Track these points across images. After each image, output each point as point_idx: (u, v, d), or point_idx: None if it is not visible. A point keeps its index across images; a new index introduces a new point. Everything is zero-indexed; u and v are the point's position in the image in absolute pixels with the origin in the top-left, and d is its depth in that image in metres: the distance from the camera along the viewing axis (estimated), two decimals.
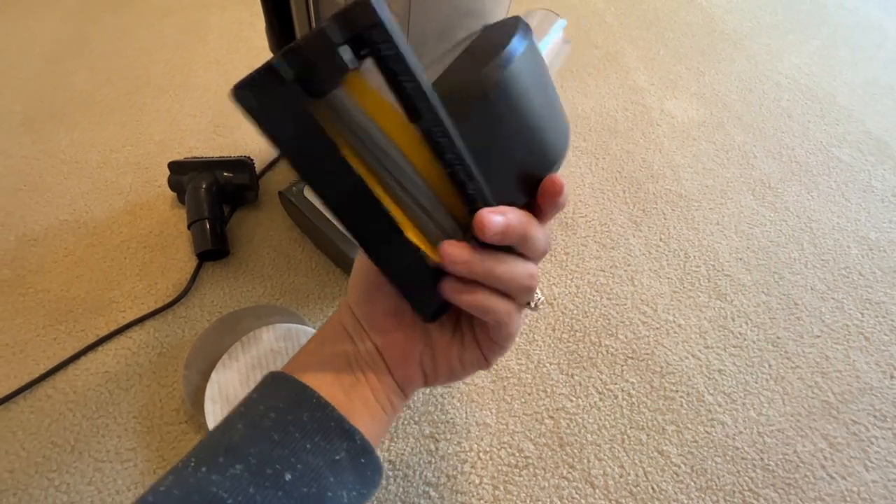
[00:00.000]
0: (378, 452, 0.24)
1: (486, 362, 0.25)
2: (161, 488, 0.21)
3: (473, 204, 0.21)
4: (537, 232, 0.22)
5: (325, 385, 0.24)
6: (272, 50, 0.49)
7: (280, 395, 0.23)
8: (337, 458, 0.22)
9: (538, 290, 0.25)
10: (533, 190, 0.23)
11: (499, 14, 0.37)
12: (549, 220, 0.24)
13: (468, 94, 0.20)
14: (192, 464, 0.21)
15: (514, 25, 0.22)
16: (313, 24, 0.42)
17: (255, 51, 0.76)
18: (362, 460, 0.23)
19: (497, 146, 0.21)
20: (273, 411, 0.22)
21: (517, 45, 0.21)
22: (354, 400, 0.24)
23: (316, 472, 0.22)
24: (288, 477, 0.21)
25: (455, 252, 0.20)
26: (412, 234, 0.21)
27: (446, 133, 0.19)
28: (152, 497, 0.20)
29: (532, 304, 0.25)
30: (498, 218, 0.20)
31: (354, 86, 0.19)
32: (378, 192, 0.20)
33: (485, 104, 0.20)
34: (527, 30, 0.22)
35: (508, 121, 0.21)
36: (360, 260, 0.26)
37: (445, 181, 0.21)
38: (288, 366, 0.26)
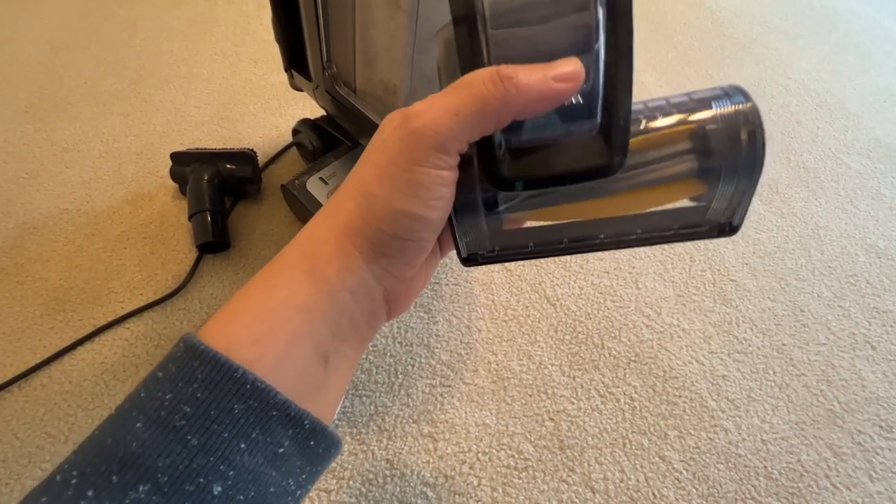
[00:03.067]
0: (332, 426, 0.20)
1: (437, 260, 0.24)
2: None
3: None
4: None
5: (303, 363, 0.19)
6: (278, 41, 0.49)
7: (196, 378, 0.17)
8: (280, 450, 0.18)
9: None
10: None
11: None
12: None
13: None
14: (74, 482, 0.16)
15: None
16: (320, 17, 0.41)
17: (261, 43, 0.76)
18: (311, 442, 0.19)
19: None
20: (186, 403, 0.17)
21: None
22: (333, 363, 0.20)
23: (254, 473, 0.17)
24: (217, 490, 0.16)
25: (565, 69, 0.17)
26: None
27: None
28: None
29: None
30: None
31: None
32: None
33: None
34: None
35: None
36: (435, 212, 0.19)
37: None
38: (222, 310, 0.19)
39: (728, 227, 0.21)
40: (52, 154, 0.60)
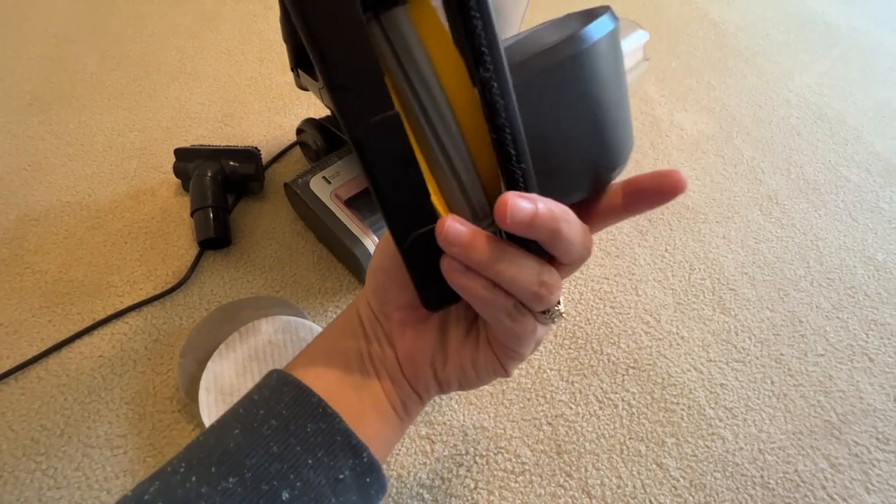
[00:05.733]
0: (385, 470, 0.22)
1: (502, 369, 0.22)
2: (146, 497, 0.19)
3: (514, 185, 0.17)
4: (573, 232, 0.18)
5: (333, 381, 0.22)
6: (285, 40, 0.49)
7: (283, 400, 0.21)
8: (341, 476, 0.20)
9: (560, 300, 0.22)
10: (585, 190, 0.20)
11: (517, 13, 0.37)
12: (599, 228, 0.21)
13: (539, 62, 0.17)
14: (182, 470, 0.19)
15: (601, 11, 0.20)
16: None
17: (267, 43, 0.76)
18: (367, 479, 0.21)
19: (558, 129, 0.18)
20: (274, 418, 0.20)
21: (604, 24, 0.19)
22: (364, 399, 0.22)
23: (317, 491, 0.19)
24: (285, 496, 0.19)
25: (453, 228, 0.17)
26: (435, 198, 0.18)
27: (506, 93, 0.16)
28: None
29: (546, 314, 0.21)
30: (525, 204, 0.16)
31: (418, 9, 0.16)
32: (412, 138, 0.17)
33: (555, 76, 0.18)
34: (615, 17, 0.20)
35: (578, 101, 0.18)
36: (383, 244, 0.23)
37: (489, 151, 0.17)
38: (296, 360, 0.24)
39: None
40: (55, 147, 0.60)
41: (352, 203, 0.50)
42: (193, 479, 0.19)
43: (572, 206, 0.19)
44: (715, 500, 0.42)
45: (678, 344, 0.50)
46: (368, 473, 0.21)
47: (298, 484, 0.19)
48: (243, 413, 0.21)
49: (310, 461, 0.20)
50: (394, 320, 0.23)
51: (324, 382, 0.22)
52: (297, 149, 0.63)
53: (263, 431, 0.20)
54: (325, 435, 0.20)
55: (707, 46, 0.87)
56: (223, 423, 0.21)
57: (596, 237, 0.58)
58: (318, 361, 0.23)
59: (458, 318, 0.23)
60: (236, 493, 0.18)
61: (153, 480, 0.20)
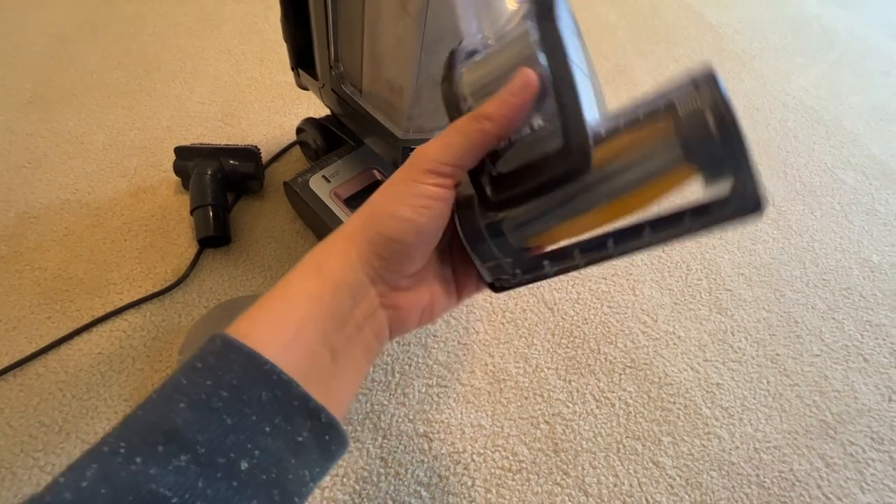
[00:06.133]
0: (343, 427, 0.22)
1: (457, 301, 0.27)
2: (83, 483, 0.17)
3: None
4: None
5: (309, 347, 0.21)
6: (286, 40, 0.49)
7: (231, 369, 0.20)
8: (300, 439, 0.20)
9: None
10: None
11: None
12: None
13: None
14: (123, 451, 0.18)
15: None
16: (329, 17, 0.42)
17: (268, 43, 0.77)
18: (326, 437, 0.21)
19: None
20: (223, 389, 0.19)
21: None
22: (341, 360, 0.22)
23: (276, 456, 0.19)
24: (244, 465, 0.18)
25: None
26: None
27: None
28: (71, 495, 0.16)
29: None
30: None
31: None
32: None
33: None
34: None
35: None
36: (423, 218, 0.22)
37: None
38: (248, 321, 0.21)
39: (752, 204, 0.19)
40: (55, 145, 0.60)
41: (351, 202, 0.50)
42: (138, 459, 0.17)
43: None
44: (711, 499, 0.42)
45: (675, 344, 0.51)
46: (327, 432, 0.21)
47: (257, 452, 0.19)
48: (187, 384, 0.19)
49: (267, 429, 0.19)
50: (395, 284, 0.24)
51: (298, 349, 0.21)
52: (297, 148, 0.63)
53: (213, 404, 0.19)
54: (282, 402, 0.20)
55: (704, 49, 0.87)
56: (164, 396, 0.19)
57: None
58: (285, 326, 0.21)
59: (444, 274, 0.27)
60: (190, 470, 0.17)
61: (87, 463, 0.17)
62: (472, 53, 0.23)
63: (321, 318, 0.22)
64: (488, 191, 0.22)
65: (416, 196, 0.22)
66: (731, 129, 0.18)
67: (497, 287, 0.25)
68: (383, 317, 0.24)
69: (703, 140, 0.19)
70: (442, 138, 0.22)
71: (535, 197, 0.21)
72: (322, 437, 0.21)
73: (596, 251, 0.22)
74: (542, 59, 0.20)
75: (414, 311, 0.25)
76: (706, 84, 0.19)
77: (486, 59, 0.22)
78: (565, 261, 0.23)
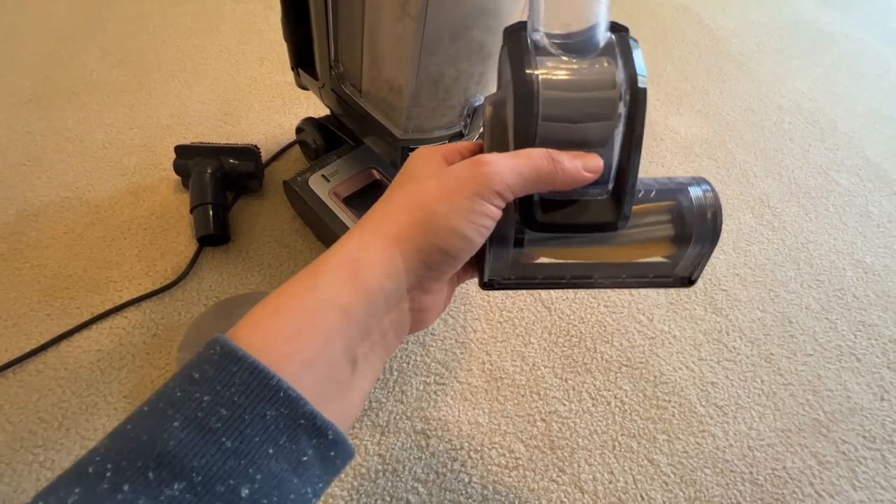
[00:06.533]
0: (349, 441, 0.21)
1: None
2: None
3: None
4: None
5: (332, 362, 0.20)
6: (286, 40, 0.50)
7: (233, 384, 0.18)
8: (304, 458, 0.19)
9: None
10: None
11: (514, 14, 0.38)
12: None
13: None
14: (109, 475, 0.16)
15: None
16: (329, 17, 0.42)
17: (267, 43, 0.77)
18: (332, 453, 0.20)
19: None
20: (223, 406, 0.17)
21: None
22: (361, 370, 0.21)
23: (278, 478, 0.18)
24: (245, 493, 0.17)
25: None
26: None
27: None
28: None
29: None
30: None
31: None
32: None
33: None
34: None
35: None
36: (480, 238, 0.22)
37: None
38: (276, 339, 0.19)
39: (688, 281, 0.27)
40: (54, 143, 0.60)
41: (350, 201, 0.50)
42: (126, 487, 0.16)
43: None
44: (705, 496, 0.43)
45: (670, 343, 0.51)
46: (333, 448, 0.20)
47: (258, 477, 0.17)
48: (182, 398, 0.18)
49: (270, 450, 0.18)
50: (432, 290, 0.24)
51: (308, 369, 0.19)
52: (297, 147, 0.63)
53: (212, 424, 0.17)
54: (288, 420, 0.18)
55: (702, 52, 0.88)
56: (156, 410, 0.18)
57: None
58: (303, 340, 0.20)
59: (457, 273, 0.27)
60: (185, 501, 0.16)
61: (70, 486, 0.16)
62: (544, 50, 0.23)
63: (350, 332, 0.20)
64: (536, 212, 0.23)
65: (480, 215, 0.21)
66: (719, 223, 0.25)
67: (489, 286, 0.27)
68: (408, 319, 0.23)
69: (699, 230, 0.25)
70: (516, 162, 0.21)
71: (575, 232, 0.25)
72: (327, 453, 0.19)
73: (583, 279, 0.27)
74: (623, 112, 0.22)
75: (436, 311, 0.25)
76: (710, 188, 0.25)
77: (567, 80, 0.22)
78: (556, 279, 0.27)
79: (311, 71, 0.50)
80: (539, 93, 0.22)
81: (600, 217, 0.23)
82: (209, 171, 0.54)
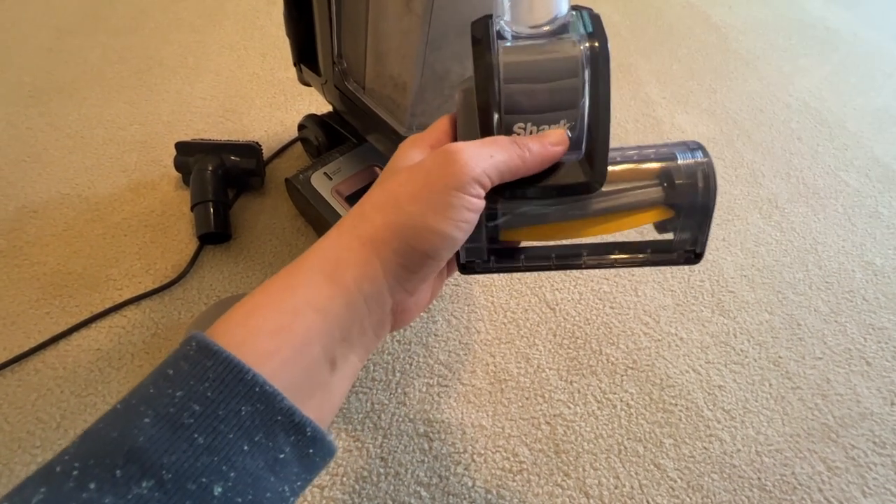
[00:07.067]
0: (330, 436, 0.20)
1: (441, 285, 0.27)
2: None
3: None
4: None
5: (311, 360, 0.19)
6: (288, 35, 0.49)
7: (207, 378, 0.17)
8: (281, 456, 0.18)
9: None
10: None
11: None
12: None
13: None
14: (76, 473, 0.15)
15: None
16: (333, 13, 0.41)
17: (270, 38, 0.76)
18: (311, 450, 0.19)
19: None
20: (196, 402, 0.17)
21: None
22: (340, 369, 0.21)
23: (253, 475, 0.17)
24: (217, 491, 0.16)
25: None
26: None
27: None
28: None
29: None
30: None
31: None
32: None
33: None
34: None
35: None
36: (461, 233, 0.21)
37: None
38: (256, 336, 0.19)
39: (693, 255, 0.25)
40: (55, 139, 0.60)
41: (353, 199, 0.50)
42: (92, 485, 0.15)
43: None
44: (712, 502, 0.42)
45: (677, 345, 0.51)
46: (312, 445, 0.19)
47: (232, 474, 0.17)
48: (155, 394, 0.17)
49: (245, 447, 0.17)
50: (415, 290, 0.23)
51: (287, 366, 0.19)
52: (299, 144, 0.63)
53: (184, 420, 0.16)
54: (264, 416, 0.17)
55: (709, 50, 0.87)
56: (128, 406, 0.17)
57: None
58: (283, 338, 0.19)
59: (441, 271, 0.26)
60: (153, 500, 0.15)
61: (36, 485, 0.16)
62: (514, 36, 0.23)
63: (330, 332, 0.20)
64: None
65: (457, 209, 0.20)
66: (713, 191, 0.23)
67: (468, 269, 0.26)
68: (389, 319, 0.23)
69: (690, 191, 0.23)
70: (484, 148, 0.21)
71: (547, 197, 0.23)
72: (306, 450, 0.19)
73: (570, 259, 0.26)
74: (587, 76, 0.22)
75: (418, 309, 0.25)
76: (702, 152, 0.24)
77: (527, 50, 0.22)
78: (540, 261, 0.26)
79: (314, 67, 0.49)
80: (499, 58, 0.22)
81: (575, 177, 0.23)
82: (210, 168, 0.53)
